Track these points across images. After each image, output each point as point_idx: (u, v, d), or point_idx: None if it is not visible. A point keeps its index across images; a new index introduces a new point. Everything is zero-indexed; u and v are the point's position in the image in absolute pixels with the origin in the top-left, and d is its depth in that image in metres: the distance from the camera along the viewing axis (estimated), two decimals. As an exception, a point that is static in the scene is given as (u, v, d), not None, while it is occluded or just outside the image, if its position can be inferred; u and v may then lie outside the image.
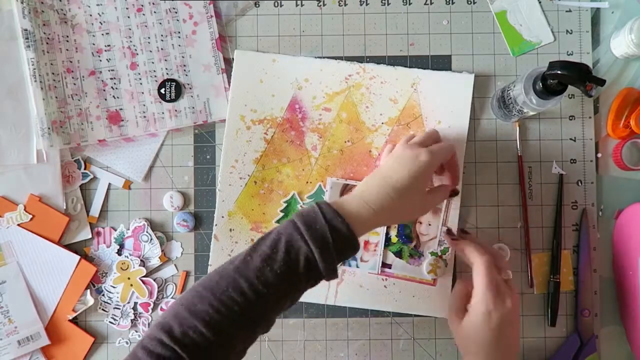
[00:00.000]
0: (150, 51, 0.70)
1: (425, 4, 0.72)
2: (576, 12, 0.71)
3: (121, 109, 0.70)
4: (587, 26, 0.71)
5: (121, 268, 0.69)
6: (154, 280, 0.70)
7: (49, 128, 0.67)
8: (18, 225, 0.68)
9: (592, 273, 0.69)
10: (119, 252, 0.70)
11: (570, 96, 0.71)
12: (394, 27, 0.71)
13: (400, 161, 0.59)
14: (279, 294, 0.51)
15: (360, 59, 0.71)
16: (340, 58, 0.71)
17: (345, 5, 0.72)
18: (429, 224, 0.69)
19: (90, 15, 0.70)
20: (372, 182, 0.58)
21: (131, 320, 0.69)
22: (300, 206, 0.70)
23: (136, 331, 0.70)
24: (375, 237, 0.69)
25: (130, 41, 0.70)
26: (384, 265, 0.70)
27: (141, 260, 0.70)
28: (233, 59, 0.70)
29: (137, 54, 0.70)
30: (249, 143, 0.70)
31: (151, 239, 0.70)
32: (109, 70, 0.70)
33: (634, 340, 0.68)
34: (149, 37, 0.70)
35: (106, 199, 0.71)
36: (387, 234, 0.69)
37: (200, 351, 0.48)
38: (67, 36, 0.69)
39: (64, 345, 0.69)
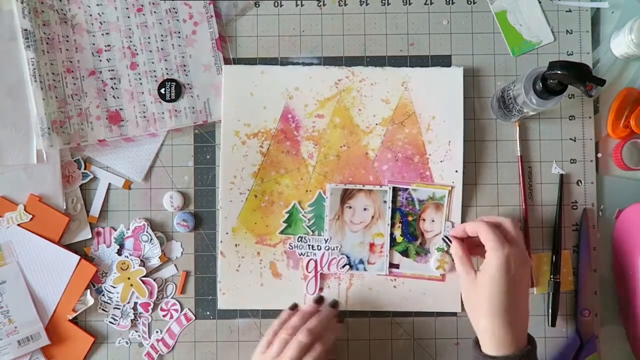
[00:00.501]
0: (150, 51, 0.70)
1: (425, 4, 0.72)
2: (576, 12, 0.71)
3: (121, 109, 0.70)
4: (587, 26, 0.71)
5: (121, 268, 0.69)
6: (154, 280, 0.70)
7: (49, 128, 0.67)
8: (18, 225, 0.68)
9: (592, 273, 0.69)
10: (119, 252, 0.70)
11: (570, 96, 0.71)
12: (394, 27, 0.71)
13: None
14: None
15: (360, 59, 0.71)
16: (340, 58, 0.71)
17: (345, 5, 0.72)
18: (432, 220, 0.69)
19: (90, 15, 0.70)
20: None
21: (131, 320, 0.69)
22: (302, 215, 0.70)
23: (136, 331, 0.70)
24: (380, 238, 0.69)
25: (130, 41, 0.70)
26: (392, 265, 0.70)
27: (141, 260, 0.70)
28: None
29: (137, 54, 0.70)
30: (245, 158, 0.70)
31: (151, 239, 0.70)
32: (109, 70, 0.70)
33: (634, 340, 0.68)
34: (149, 37, 0.70)
35: (106, 199, 0.71)
36: (391, 234, 0.69)
37: None
38: (67, 36, 0.69)
39: (64, 345, 0.69)
